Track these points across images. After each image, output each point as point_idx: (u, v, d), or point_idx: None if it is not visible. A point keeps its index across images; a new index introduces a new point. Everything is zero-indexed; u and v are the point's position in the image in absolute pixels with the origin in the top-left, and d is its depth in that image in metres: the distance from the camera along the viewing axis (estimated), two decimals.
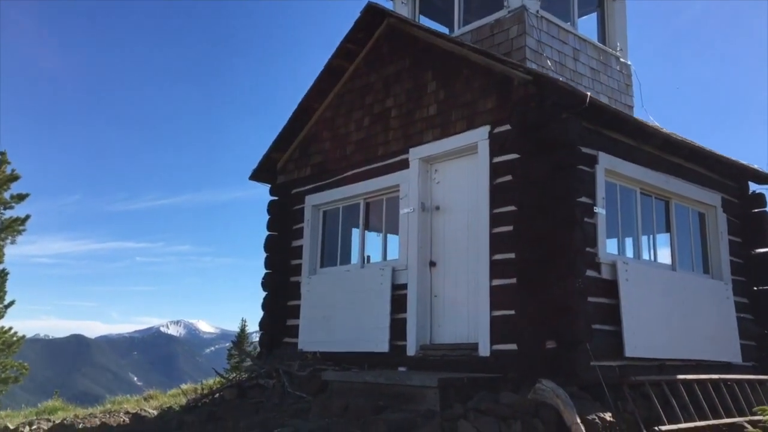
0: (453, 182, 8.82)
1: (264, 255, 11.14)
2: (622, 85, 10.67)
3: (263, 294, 11.02)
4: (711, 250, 9.84)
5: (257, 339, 11.45)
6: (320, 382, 8.26)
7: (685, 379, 7.84)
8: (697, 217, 9.90)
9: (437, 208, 8.91)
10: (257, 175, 11.38)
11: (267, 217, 11.22)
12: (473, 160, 8.52)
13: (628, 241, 8.83)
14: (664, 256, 9.29)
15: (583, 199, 7.60)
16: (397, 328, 8.84)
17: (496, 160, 8.11)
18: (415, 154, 9.10)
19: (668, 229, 9.37)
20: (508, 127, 8.03)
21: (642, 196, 8.96)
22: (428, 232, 8.96)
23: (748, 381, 8.59)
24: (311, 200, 10.69)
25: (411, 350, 8.60)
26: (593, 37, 10.53)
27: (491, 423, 5.97)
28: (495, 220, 7.97)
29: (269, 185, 11.41)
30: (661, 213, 9.35)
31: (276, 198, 11.26)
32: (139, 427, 8.49)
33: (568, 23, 10.16)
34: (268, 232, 11.13)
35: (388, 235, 9.79)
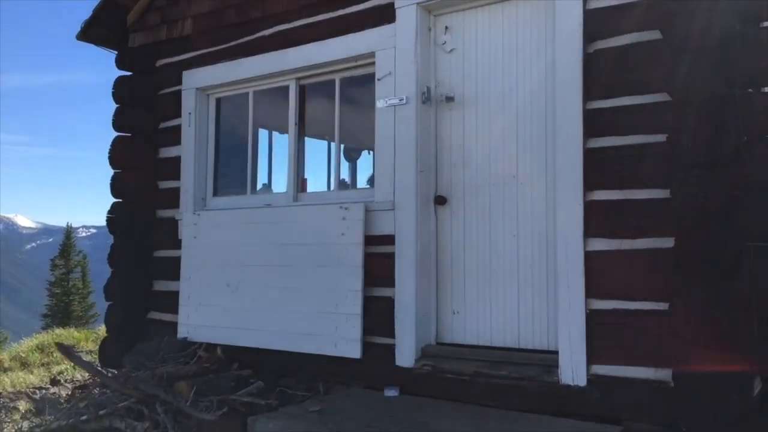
0: (483, 51, 4.76)
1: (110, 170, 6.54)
2: None
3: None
4: None
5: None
6: None
7: None
8: None
9: (449, 98, 4.85)
10: (90, 33, 6.52)
11: (111, 104, 6.54)
12: (533, 7, 4.51)
13: None
14: None
15: None
16: (376, 316, 4.91)
17: (597, 3, 4.15)
18: None
19: None
20: None
21: None
22: (432, 142, 4.93)
23: None
24: (194, 79, 6.15)
25: (406, 357, 4.73)
26: None
27: None
28: (592, 122, 4.11)
29: (115, 51, 6.63)
30: None
31: (129, 74, 6.56)
32: None
33: None
34: (115, 133, 6.49)
35: (345, 147, 5.66)
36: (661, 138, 3.81)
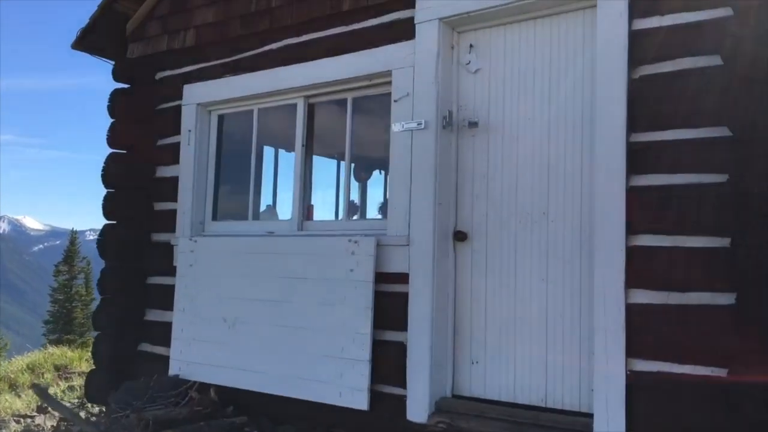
0: (511, 72, 4.30)
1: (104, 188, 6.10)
2: None
3: (100, 263, 6.08)
4: None
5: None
6: None
7: None
8: None
9: (473, 123, 4.39)
10: (87, 41, 6.10)
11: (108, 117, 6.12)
12: (570, 25, 4.05)
13: None
14: None
15: None
16: (385, 363, 4.42)
17: (644, 24, 3.68)
18: (430, 10, 4.44)
19: None
20: None
21: None
22: (453, 171, 4.46)
23: None
24: (195, 94, 5.72)
25: (418, 411, 4.24)
26: None
27: None
28: (636, 157, 3.63)
29: (112, 61, 6.21)
30: None
31: (126, 86, 6.13)
32: None
33: None
34: (110, 149, 6.05)
35: (355, 167, 5.20)
36: (717, 178, 3.33)
